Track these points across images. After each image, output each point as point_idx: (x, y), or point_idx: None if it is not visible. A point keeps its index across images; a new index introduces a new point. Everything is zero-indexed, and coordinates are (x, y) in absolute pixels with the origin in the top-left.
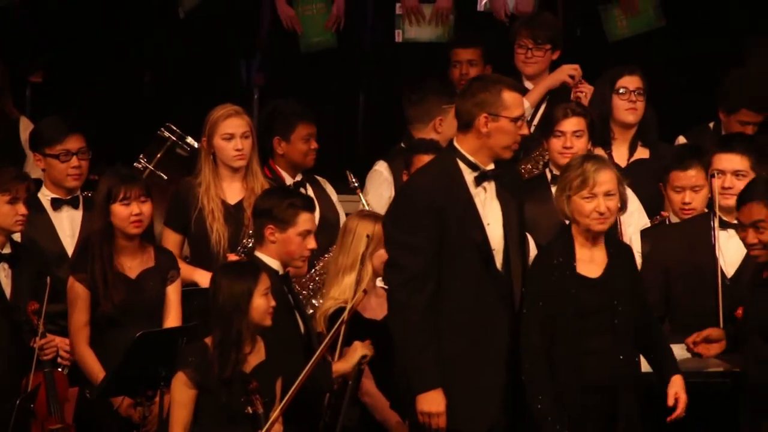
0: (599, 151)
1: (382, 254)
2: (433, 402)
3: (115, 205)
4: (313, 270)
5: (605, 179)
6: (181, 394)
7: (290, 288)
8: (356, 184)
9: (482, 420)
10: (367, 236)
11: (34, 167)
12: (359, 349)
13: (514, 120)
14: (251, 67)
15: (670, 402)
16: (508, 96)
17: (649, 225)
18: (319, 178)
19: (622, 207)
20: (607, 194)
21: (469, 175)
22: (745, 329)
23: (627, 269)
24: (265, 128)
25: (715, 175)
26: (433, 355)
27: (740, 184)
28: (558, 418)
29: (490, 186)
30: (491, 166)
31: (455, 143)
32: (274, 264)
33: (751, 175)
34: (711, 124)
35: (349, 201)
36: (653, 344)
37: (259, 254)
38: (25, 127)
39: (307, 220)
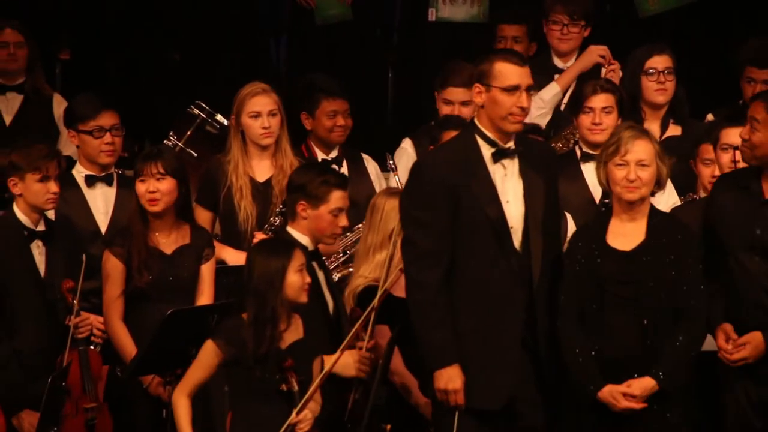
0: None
1: None
2: (450, 379)
3: (136, 181)
4: (340, 247)
5: (639, 148)
6: (206, 358)
7: (321, 264)
8: (394, 167)
9: (498, 396)
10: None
11: (67, 144)
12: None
13: (506, 90)
14: (279, 45)
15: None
16: (500, 66)
17: (679, 203)
18: (364, 155)
19: (659, 183)
20: (640, 163)
21: (487, 152)
22: None
23: (670, 247)
24: (295, 104)
25: (726, 149)
26: (448, 331)
27: None
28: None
29: (512, 163)
30: (511, 143)
31: (475, 120)
32: (304, 240)
33: None
34: (741, 101)
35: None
36: (673, 332)
37: (290, 229)
38: (59, 103)
39: (339, 198)
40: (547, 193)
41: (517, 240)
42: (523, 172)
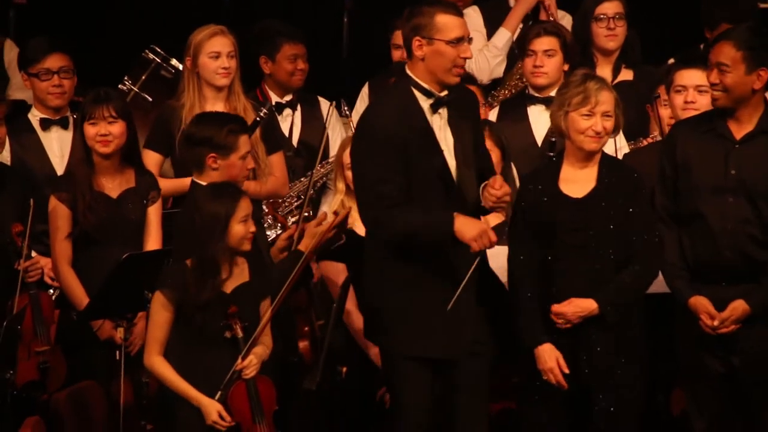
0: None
1: None
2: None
3: (85, 124)
4: (293, 192)
5: (605, 99)
6: (159, 314)
7: None
8: (348, 113)
9: (449, 346)
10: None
11: (18, 91)
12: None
13: (451, 42)
14: None
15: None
16: (442, 18)
17: (627, 149)
18: (321, 99)
19: (616, 130)
20: (605, 114)
21: (425, 103)
22: None
23: (621, 195)
24: (251, 48)
25: (680, 91)
26: (421, 213)
27: (703, 99)
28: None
29: (444, 112)
30: (445, 92)
31: (407, 70)
32: None
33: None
34: (702, 46)
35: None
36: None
37: (198, 181)
38: (10, 48)
39: (246, 142)
40: (475, 138)
41: (464, 190)
42: (451, 119)
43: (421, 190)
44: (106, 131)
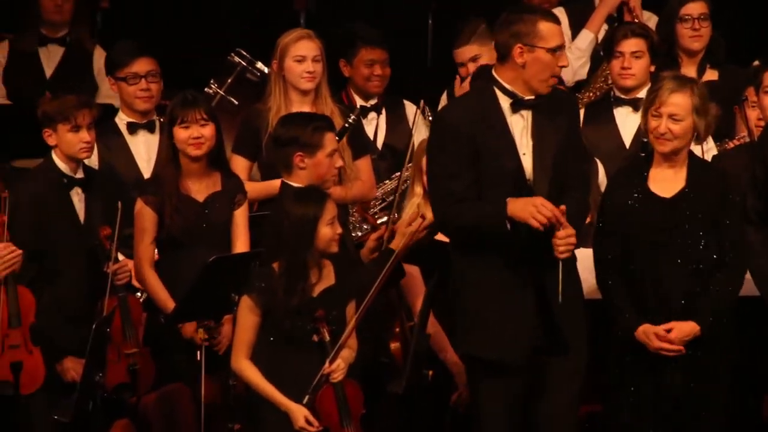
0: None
1: None
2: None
3: (176, 127)
4: (379, 194)
5: (675, 102)
6: (246, 318)
7: None
8: (430, 117)
9: (519, 350)
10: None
11: (106, 99)
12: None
13: (551, 50)
14: None
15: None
16: (544, 26)
17: (714, 149)
18: (406, 102)
19: (698, 137)
20: (672, 117)
21: (505, 102)
22: None
23: (710, 197)
24: (334, 52)
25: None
26: (479, 205)
27: None
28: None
29: (529, 114)
30: (531, 95)
31: (494, 73)
32: None
33: None
34: None
35: None
36: (713, 279)
37: (288, 182)
38: (99, 57)
39: (332, 140)
40: (563, 143)
41: (537, 192)
42: (536, 123)
43: (492, 189)
44: (199, 134)
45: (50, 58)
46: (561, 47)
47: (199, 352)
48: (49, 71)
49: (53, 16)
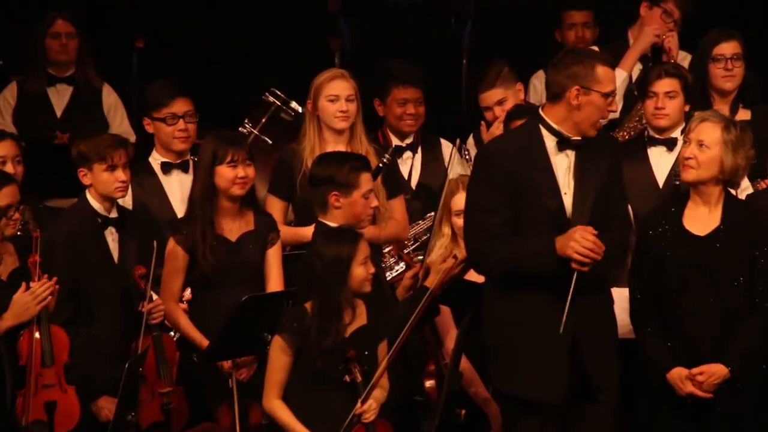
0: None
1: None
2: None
3: (221, 166)
4: (411, 234)
5: (703, 129)
6: (278, 358)
7: None
8: (468, 156)
9: (554, 389)
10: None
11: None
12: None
13: (605, 95)
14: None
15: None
16: (602, 71)
17: (750, 189)
18: (443, 140)
19: (733, 179)
20: (700, 143)
21: (550, 141)
22: None
23: (745, 236)
24: (369, 91)
25: None
26: (521, 242)
27: None
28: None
29: (573, 155)
30: (576, 137)
31: (541, 112)
32: None
33: None
34: None
35: None
36: (745, 320)
37: (324, 221)
38: (108, 94)
39: (368, 180)
40: (605, 184)
41: None
42: (580, 164)
43: (531, 227)
44: (245, 173)
45: (59, 97)
46: (614, 92)
47: (230, 380)
48: (59, 110)
49: (59, 56)
